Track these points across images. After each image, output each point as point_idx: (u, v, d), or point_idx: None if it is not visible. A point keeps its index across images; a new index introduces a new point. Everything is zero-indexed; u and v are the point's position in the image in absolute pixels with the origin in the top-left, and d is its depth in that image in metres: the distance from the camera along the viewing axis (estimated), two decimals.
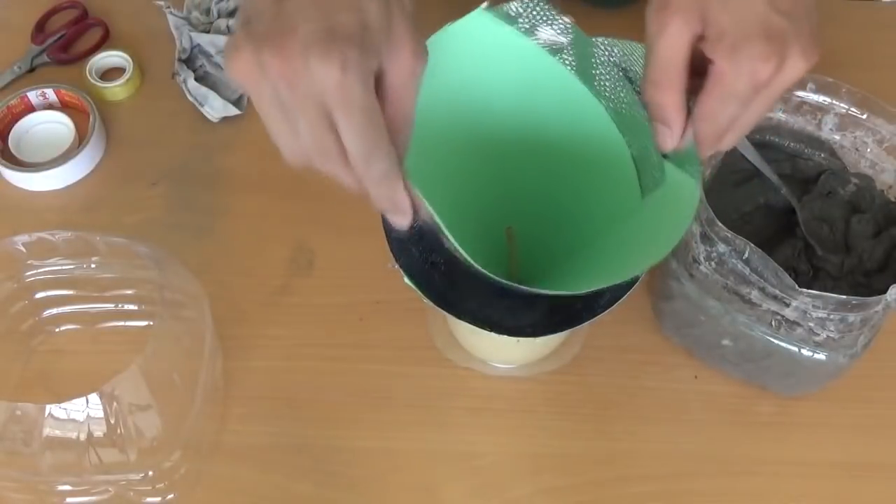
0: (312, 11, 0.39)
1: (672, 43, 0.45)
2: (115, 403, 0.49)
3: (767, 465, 0.59)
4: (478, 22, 0.50)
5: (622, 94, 0.51)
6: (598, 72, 0.51)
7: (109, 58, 0.76)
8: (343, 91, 0.39)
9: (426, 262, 0.52)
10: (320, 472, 0.58)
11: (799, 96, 0.59)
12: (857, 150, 0.60)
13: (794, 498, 0.58)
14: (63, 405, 0.49)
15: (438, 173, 0.53)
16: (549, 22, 0.50)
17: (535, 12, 0.50)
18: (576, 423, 0.60)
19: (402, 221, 0.44)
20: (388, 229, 0.50)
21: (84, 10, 0.80)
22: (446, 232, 0.44)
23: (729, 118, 0.45)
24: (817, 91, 0.59)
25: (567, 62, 0.51)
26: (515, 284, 0.46)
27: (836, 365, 0.55)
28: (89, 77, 0.74)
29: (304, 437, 0.59)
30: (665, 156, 0.49)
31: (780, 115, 0.61)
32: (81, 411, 0.49)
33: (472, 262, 0.45)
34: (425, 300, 0.50)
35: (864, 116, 0.59)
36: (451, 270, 0.51)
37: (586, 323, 0.51)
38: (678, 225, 0.47)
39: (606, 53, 0.50)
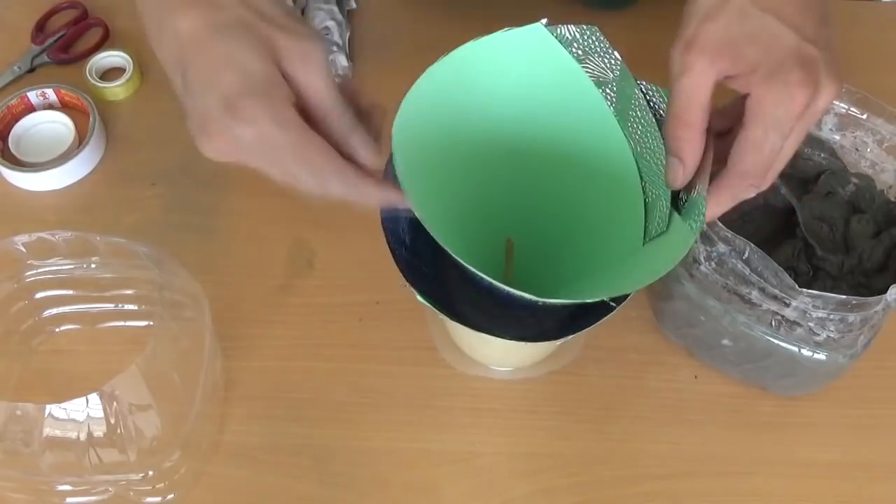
0: (206, 89, 0.42)
1: (696, 82, 0.45)
2: (114, 403, 0.49)
3: (767, 465, 0.59)
4: (535, 35, 0.50)
5: (650, 141, 0.51)
6: (633, 114, 0.51)
7: (109, 58, 0.76)
8: (266, 141, 0.41)
9: (435, 277, 0.52)
10: (320, 472, 0.58)
11: None
12: (857, 150, 0.60)
13: (794, 498, 0.58)
14: (63, 405, 0.49)
15: (452, 169, 0.53)
16: (602, 54, 0.51)
17: (589, 41, 0.50)
18: (575, 423, 0.60)
19: (397, 206, 0.45)
20: (393, 248, 0.50)
21: (84, 10, 0.80)
22: (437, 236, 0.45)
23: (771, 149, 0.45)
24: None
25: (609, 97, 0.52)
26: (501, 285, 0.46)
27: (836, 365, 0.55)
28: (89, 77, 0.74)
29: (304, 437, 0.59)
30: (676, 206, 0.50)
31: None
32: (81, 411, 0.49)
33: (465, 263, 0.45)
34: (440, 315, 0.51)
35: (864, 116, 0.59)
36: (454, 280, 0.51)
37: (585, 331, 0.51)
38: (666, 265, 0.47)
39: (645, 97, 0.50)
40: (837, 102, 0.59)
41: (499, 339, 0.50)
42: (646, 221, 0.52)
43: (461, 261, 0.45)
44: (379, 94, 0.51)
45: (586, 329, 0.51)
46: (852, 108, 0.59)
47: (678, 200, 0.50)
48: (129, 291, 0.61)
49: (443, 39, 0.50)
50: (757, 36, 0.44)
